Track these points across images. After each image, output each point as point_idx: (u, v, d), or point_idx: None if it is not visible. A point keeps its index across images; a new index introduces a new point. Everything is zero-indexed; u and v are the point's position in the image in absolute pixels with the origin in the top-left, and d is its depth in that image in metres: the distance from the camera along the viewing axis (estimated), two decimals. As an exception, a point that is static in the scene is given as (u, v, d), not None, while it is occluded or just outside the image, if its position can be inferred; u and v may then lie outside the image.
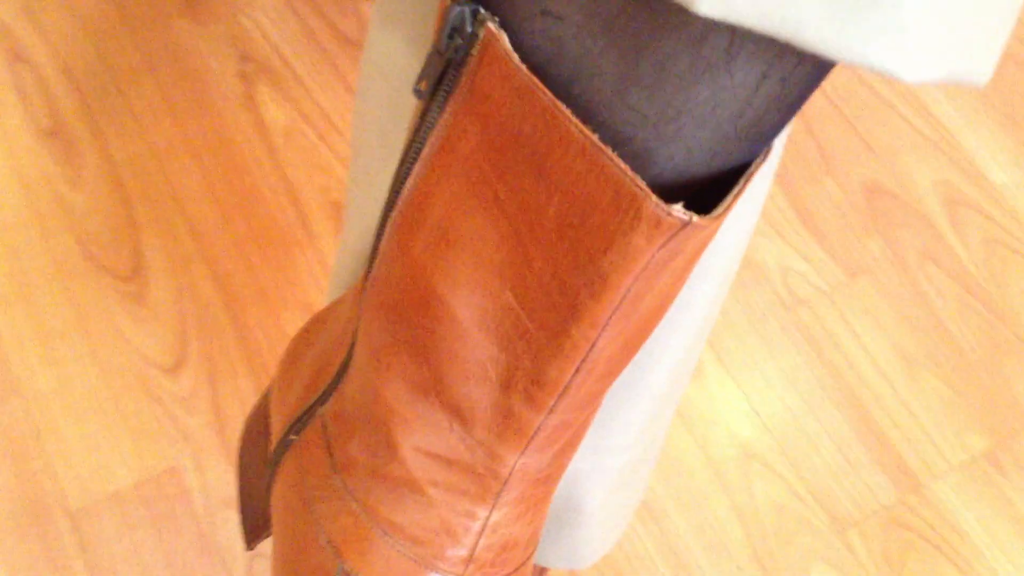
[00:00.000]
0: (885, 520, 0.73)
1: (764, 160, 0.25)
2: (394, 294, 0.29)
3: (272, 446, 0.39)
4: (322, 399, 0.35)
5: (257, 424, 0.43)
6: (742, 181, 0.25)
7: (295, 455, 0.35)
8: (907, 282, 0.83)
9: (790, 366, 0.78)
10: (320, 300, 0.77)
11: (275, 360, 0.74)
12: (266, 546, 0.67)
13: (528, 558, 0.32)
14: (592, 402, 0.29)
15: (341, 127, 0.86)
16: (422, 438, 0.30)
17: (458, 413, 0.29)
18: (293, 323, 0.76)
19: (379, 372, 0.30)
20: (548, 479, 0.31)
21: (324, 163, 0.84)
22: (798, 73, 0.23)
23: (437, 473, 0.30)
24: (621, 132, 0.24)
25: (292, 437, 0.35)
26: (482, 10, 0.24)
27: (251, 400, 0.72)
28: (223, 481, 0.69)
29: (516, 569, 0.32)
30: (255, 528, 0.42)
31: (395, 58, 0.35)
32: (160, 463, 0.69)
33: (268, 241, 0.79)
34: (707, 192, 0.26)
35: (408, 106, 0.36)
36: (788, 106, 0.24)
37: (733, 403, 0.75)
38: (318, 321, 0.40)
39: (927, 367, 0.80)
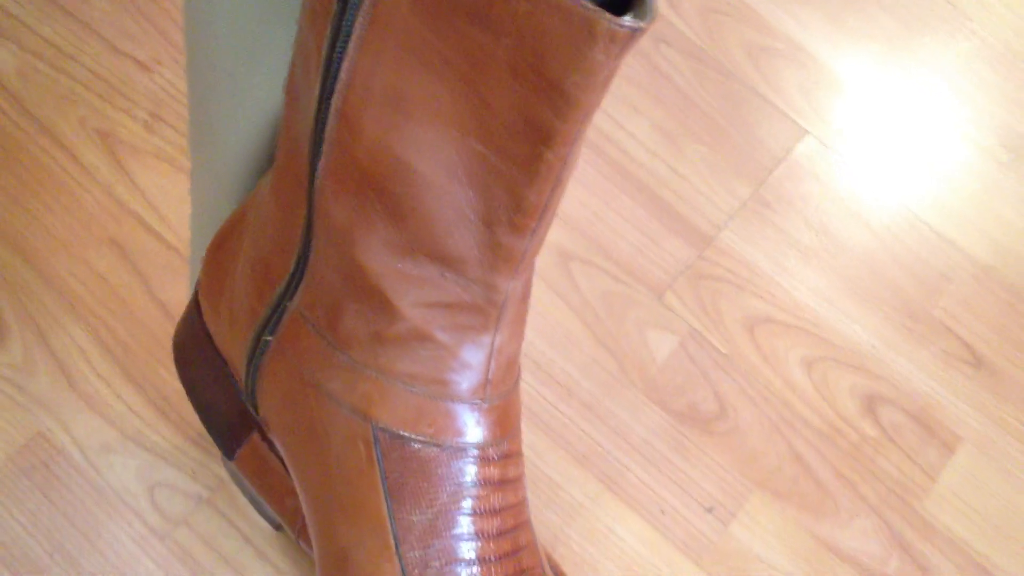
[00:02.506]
0: (691, 277, 0.83)
1: None
2: (355, 175, 0.32)
3: (236, 356, 0.40)
4: (286, 295, 0.37)
5: (192, 340, 0.44)
6: None
7: (279, 352, 0.37)
8: (648, 67, 0.92)
9: (579, 173, 0.85)
10: (122, 231, 0.76)
11: (99, 301, 0.73)
12: (171, 476, 0.68)
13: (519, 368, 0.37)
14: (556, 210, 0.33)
15: (72, 52, 0.82)
16: (418, 294, 0.33)
17: (447, 262, 0.32)
18: (104, 260, 0.74)
19: (356, 248, 0.33)
20: (527, 293, 0.35)
21: (70, 94, 0.80)
22: None
23: (441, 319, 0.33)
24: None
25: (267, 338, 0.37)
26: None
27: (90, 346, 0.71)
28: (92, 429, 0.68)
29: (516, 381, 0.36)
30: (230, 437, 0.44)
31: None
32: (23, 434, 0.68)
33: (45, 188, 0.76)
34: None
35: (270, 4, 0.37)
36: None
37: (539, 215, 0.81)
38: (229, 236, 0.41)
39: (686, 136, 0.89)
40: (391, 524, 0.34)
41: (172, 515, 0.67)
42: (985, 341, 0.85)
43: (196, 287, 0.45)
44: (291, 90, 0.36)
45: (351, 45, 0.30)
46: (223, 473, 0.69)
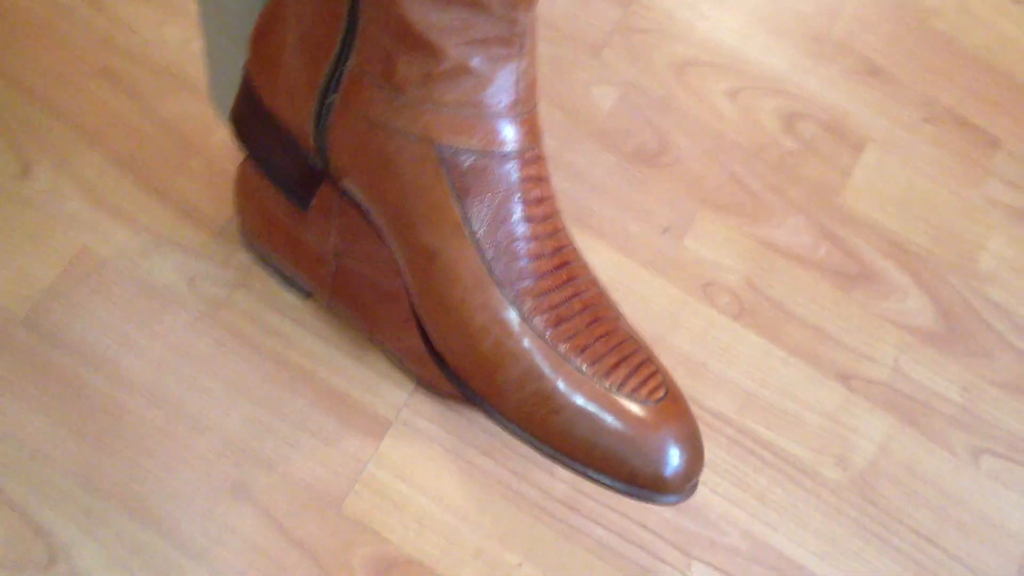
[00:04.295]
0: (623, 32, 0.93)
1: None
2: None
3: (300, 122, 0.50)
4: (341, 59, 0.46)
5: (254, 117, 0.53)
6: None
7: (345, 107, 0.47)
8: None
9: None
10: (112, 59, 0.82)
11: (108, 124, 0.80)
12: (205, 267, 0.78)
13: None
14: None
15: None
16: (456, 36, 0.43)
17: (479, 4, 0.42)
18: (102, 89, 0.81)
19: (400, 5, 0.42)
20: (536, 27, 0.45)
21: (26, -60, 0.85)
22: None
23: (477, 52, 0.43)
24: None
25: (332, 98, 0.47)
26: None
27: (109, 167, 0.79)
28: (127, 238, 0.78)
29: (536, 99, 0.47)
30: (301, 193, 0.53)
31: None
32: (69, 249, 0.76)
33: (34, 29, 0.82)
34: None
35: None
36: None
37: None
38: (272, 23, 0.50)
39: (598, -95, 0.97)
40: (463, 219, 0.45)
41: (215, 299, 0.77)
42: (881, 53, 0.97)
43: (245, 73, 0.54)
44: None
45: None
46: (248, 260, 0.79)
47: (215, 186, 0.80)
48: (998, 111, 0.97)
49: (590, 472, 0.46)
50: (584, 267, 0.48)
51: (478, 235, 0.45)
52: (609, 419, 0.45)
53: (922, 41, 1.00)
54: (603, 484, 0.46)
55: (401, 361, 0.76)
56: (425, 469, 0.75)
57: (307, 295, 0.78)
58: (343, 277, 0.72)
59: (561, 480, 0.76)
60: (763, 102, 0.93)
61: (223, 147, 0.82)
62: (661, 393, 0.47)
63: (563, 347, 0.46)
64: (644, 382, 0.47)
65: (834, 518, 0.80)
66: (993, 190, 0.95)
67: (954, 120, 0.96)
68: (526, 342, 0.46)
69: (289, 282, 0.78)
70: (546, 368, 0.46)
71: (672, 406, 0.47)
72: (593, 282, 0.49)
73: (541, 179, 0.47)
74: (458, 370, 0.48)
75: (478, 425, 0.77)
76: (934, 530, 0.82)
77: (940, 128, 0.96)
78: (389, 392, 0.77)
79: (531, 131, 0.46)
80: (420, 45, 0.43)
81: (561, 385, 0.46)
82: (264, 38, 0.51)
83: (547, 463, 0.77)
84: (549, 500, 0.76)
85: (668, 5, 0.95)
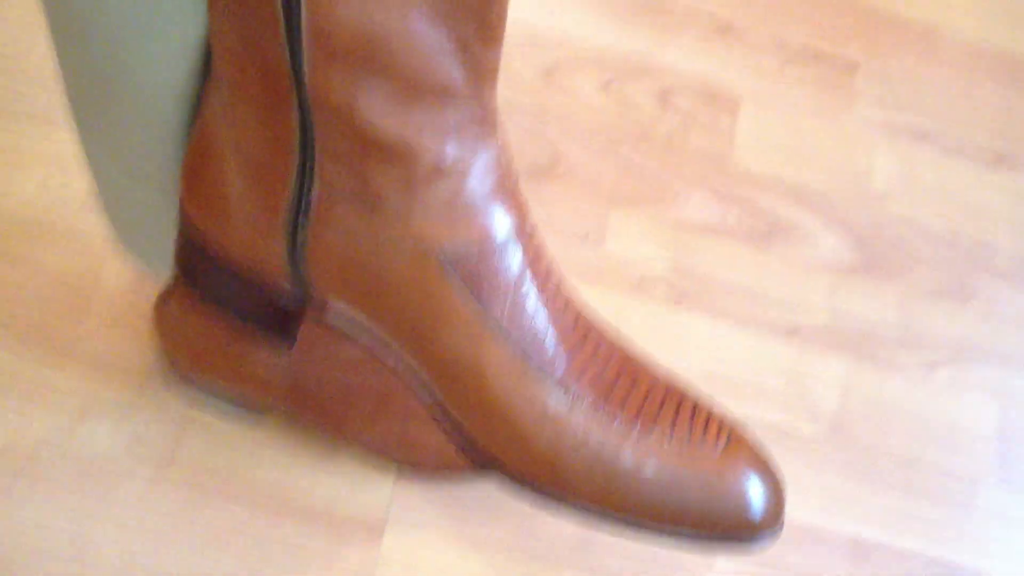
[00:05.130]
0: (479, 54, 0.90)
1: None
2: (341, 55, 0.36)
3: (268, 256, 0.46)
4: (303, 185, 0.42)
5: (204, 264, 0.49)
6: None
7: (320, 230, 0.43)
8: None
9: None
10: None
11: (-15, 302, 0.73)
12: (139, 426, 0.72)
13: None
14: None
15: None
16: (428, 128, 0.39)
17: (444, 92, 0.39)
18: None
19: (361, 112, 0.38)
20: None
21: None
22: None
23: (454, 141, 0.40)
24: None
25: (302, 223, 0.43)
26: None
27: (3, 343, 0.72)
28: (49, 418, 0.71)
29: (516, 171, 0.44)
30: (281, 328, 0.49)
31: None
32: (-11, 448, 0.69)
33: None
34: None
35: None
36: None
37: None
38: (203, 161, 0.45)
39: None
40: (485, 317, 0.42)
41: (160, 458, 0.71)
42: (726, 8, 0.98)
43: (183, 215, 0.49)
44: (220, 9, 0.40)
45: None
46: (183, 400, 0.73)
47: (123, 328, 0.74)
48: (848, 36, 1.00)
49: (681, 537, 0.45)
50: (599, 324, 0.47)
51: (504, 330, 0.43)
52: (688, 476, 0.44)
53: (756, -14, 1.01)
54: (695, 541, 0.45)
55: (376, 451, 0.73)
56: (433, 556, 0.72)
57: (258, 413, 0.73)
58: (301, 384, 0.68)
59: (565, 525, 0.74)
60: (634, 86, 0.93)
61: (117, 286, 0.75)
62: (725, 434, 0.46)
63: (619, 419, 0.44)
64: (705, 428, 0.46)
65: (823, 471, 0.81)
66: (864, 111, 0.98)
67: (811, 56, 0.98)
68: (582, 426, 0.44)
69: (236, 404, 0.73)
70: (610, 447, 0.44)
71: (740, 444, 0.46)
72: (614, 339, 0.47)
73: (541, 250, 0.44)
74: (522, 474, 0.45)
75: (469, 495, 0.75)
76: (913, 453, 0.84)
77: (800, 67, 0.98)
78: (372, 492, 0.74)
79: (521, 204, 0.43)
80: (392, 150, 0.40)
81: (630, 458, 0.44)
82: (198, 175, 0.47)
83: (549, 514, 0.75)
84: (561, 546, 0.74)
85: (516, 16, 0.93)
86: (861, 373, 0.86)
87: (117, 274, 0.76)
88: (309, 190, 0.42)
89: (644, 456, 0.44)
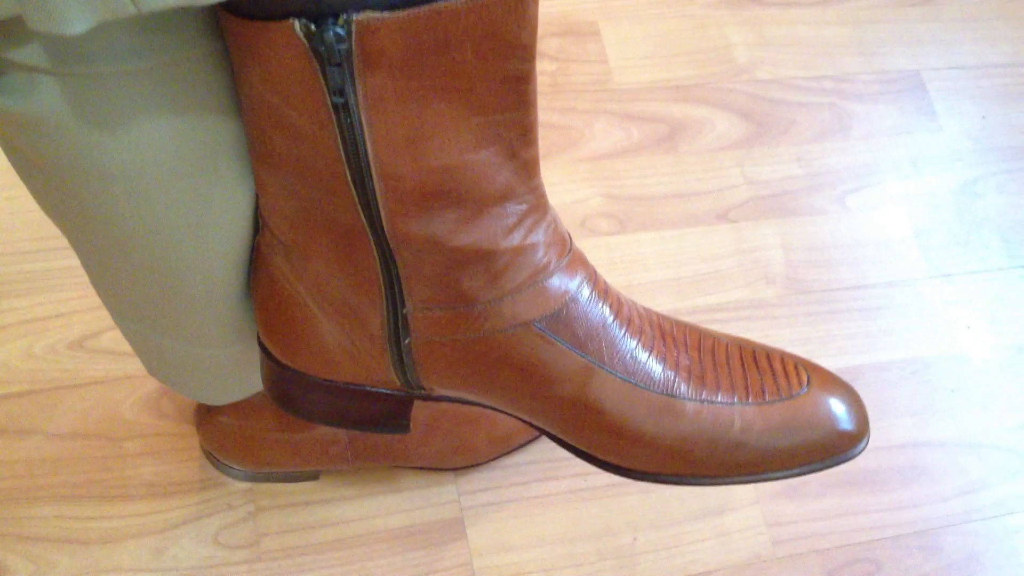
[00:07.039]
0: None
1: None
2: (416, 200, 0.41)
3: (375, 373, 0.51)
4: (397, 307, 0.47)
5: (298, 388, 0.54)
6: None
7: (426, 343, 0.48)
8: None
9: None
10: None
11: (38, 476, 0.75)
12: (216, 521, 0.76)
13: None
14: None
15: None
16: (501, 230, 0.45)
17: (505, 197, 0.44)
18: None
19: (442, 241, 0.43)
20: None
21: None
22: None
23: (522, 232, 0.46)
24: None
25: (406, 342, 0.49)
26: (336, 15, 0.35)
27: (64, 511, 0.74)
28: (135, 553, 0.74)
29: (565, 226, 0.50)
30: (391, 424, 0.55)
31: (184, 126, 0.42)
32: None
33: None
34: None
35: (221, 133, 0.44)
36: None
37: None
38: (281, 310, 0.50)
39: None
40: (591, 362, 0.49)
41: (247, 540, 0.76)
42: (556, -54, 1.04)
43: (266, 358, 0.53)
44: (271, 177, 0.44)
45: (364, 134, 0.39)
46: (242, 486, 0.77)
47: (158, 451, 0.77)
48: (666, -68, 1.07)
49: (795, 472, 0.53)
50: (657, 315, 0.53)
51: (609, 366, 0.49)
52: (791, 423, 0.51)
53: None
54: (805, 469, 0.53)
55: (435, 466, 0.79)
56: (514, 529, 0.79)
57: (314, 477, 0.78)
58: (359, 441, 0.73)
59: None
60: (505, 47, 0.98)
61: (138, 414, 0.78)
62: (805, 374, 0.53)
63: (719, 394, 0.51)
64: (787, 376, 0.53)
65: (794, 323, 0.92)
66: (704, -4, 1.05)
67: (642, -39, 1.05)
68: (695, 415, 0.51)
69: (295, 478, 0.77)
70: (723, 421, 0.51)
71: (814, 372, 0.53)
72: (673, 321, 0.54)
73: (603, 282, 0.51)
74: (652, 472, 0.52)
75: (521, 463, 0.82)
76: (857, 278, 0.95)
77: (637, -25, 1.05)
78: (439, 495, 0.80)
79: (582, 255, 0.50)
80: (471, 256, 0.45)
81: (739, 427, 0.51)
82: (278, 323, 0.51)
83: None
84: (616, 479, 0.82)
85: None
86: (791, 228, 0.96)
87: (133, 406, 0.78)
88: (403, 310, 0.47)
89: (751, 421, 0.51)
